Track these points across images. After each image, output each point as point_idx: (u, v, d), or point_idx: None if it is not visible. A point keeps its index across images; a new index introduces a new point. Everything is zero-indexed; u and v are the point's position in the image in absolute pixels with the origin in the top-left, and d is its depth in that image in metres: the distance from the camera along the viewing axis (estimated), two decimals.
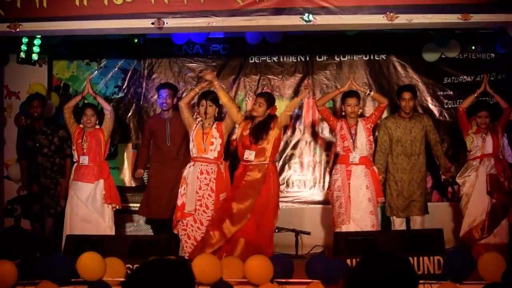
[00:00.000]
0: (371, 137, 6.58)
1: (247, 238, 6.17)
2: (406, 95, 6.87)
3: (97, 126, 6.76)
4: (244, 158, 6.41)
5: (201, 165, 6.41)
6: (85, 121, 6.71)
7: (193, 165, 6.45)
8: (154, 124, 7.22)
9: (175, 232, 6.42)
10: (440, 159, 7.07)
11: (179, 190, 6.44)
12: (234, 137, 7.44)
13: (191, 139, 6.53)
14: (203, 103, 6.53)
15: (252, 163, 6.37)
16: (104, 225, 6.51)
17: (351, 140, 6.51)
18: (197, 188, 6.35)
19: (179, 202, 6.39)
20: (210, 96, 6.55)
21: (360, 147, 6.49)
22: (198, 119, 6.64)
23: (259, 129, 6.42)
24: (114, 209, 6.64)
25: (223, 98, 6.49)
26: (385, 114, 7.23)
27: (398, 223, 6.84)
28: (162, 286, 2.24)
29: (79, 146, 6.64)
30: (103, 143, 6.71)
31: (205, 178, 6.38)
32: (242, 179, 6.37)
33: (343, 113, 6.68)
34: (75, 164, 6.67)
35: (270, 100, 6.58)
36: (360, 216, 6.33)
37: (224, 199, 6.37)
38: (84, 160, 6.61)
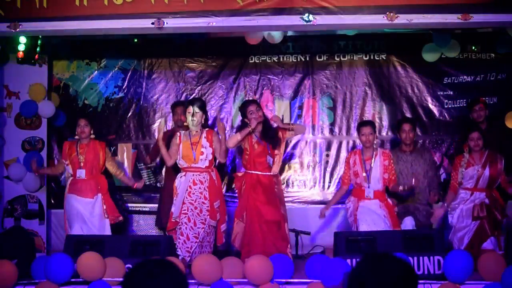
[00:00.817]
0: (386, 174, 6.26)
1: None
2: (406, 126, 6.66)
3: (92, 136, 6.56)
4: (269, 165, 6.45)
5: (193, 175, 6.28)
6: (79, 132, 6.50)
7: (184, 175, 6.31)
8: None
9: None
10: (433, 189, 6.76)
11: (173, 201, 6.35)
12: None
13: (178, 153, 6.35)
14: (190, 109, 6.35)
15: (271, 173, 6.46)
16: None
17: (364, 174, 6.24)
18: (188, 196, 6.22)
19: (172, 209, 6.33)
20: (197, 102, 6.42)
21: (372, 182, 6.23)
22: (180, 132, 6.46)
23: (269, 133, 6.46)
24: (116, 221, 6.52)
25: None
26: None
27: None
28: (154, 287, 2.25)
29: (74, 159, 6.43)
30: (102, 156, 6.50)
31: (199, 188, 6.26)
32: (269, 194, 6.42)
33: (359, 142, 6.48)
34: (71, 178, 6.48)
35: (260, 106, 6.63)
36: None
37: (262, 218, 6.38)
38: (81, 173, 6.41)
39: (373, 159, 6.28)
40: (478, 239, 6.17)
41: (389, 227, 6.05)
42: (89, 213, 6.36)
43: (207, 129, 6.48)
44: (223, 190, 8.06)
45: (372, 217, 6.10)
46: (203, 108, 6.44)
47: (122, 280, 2.31)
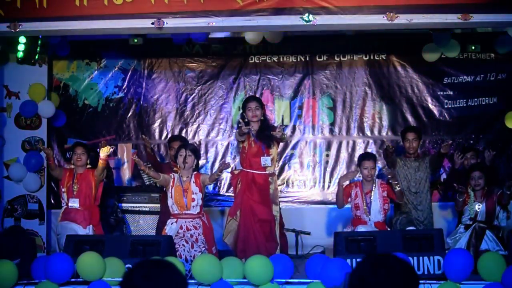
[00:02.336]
0: (386, 205, 6.33)
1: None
2: (410, 135, 6.80)
3: (88, 166, 6.45)
4: (262, 165, 6.41)
5: (185, 221, 6.06)
6: (75, 160, 6.39)
7: (175, 221, 6.06)
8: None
9: None
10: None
11: None
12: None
13: (169, 195, 6.10)
14: (182, 152, 6.13)
15: (267, 172, 6.42)
16: None
17: (365, 207, 6.30)
18: (178, 240, 5.96)
19: None
20: (190, 146, 6.31)
21: (373, 214, 6.29)
22: (172, 174, 6.22)
23: (265, 133, 6.41)
24: None
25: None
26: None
27: None
28: (154, 287, 2.25)
29: (69, 188, 6.34)
30: (94, 186, 6.35)
31: (192, 234, 6.02)
32: (263, 192, 6.40)
33: (359, 175, 6.46)
34: (64, 207, 6.37)
35: (262, 103, 6.61)
36: None
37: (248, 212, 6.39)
38: (74, 203, 6.30)
39: (372, 192, 6.34)
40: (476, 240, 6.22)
41: None
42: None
43: (195, 172, 6.24)
44: (223, 191, 8.08)
45: None
46: (195, 152, 6.29)
47: (121, 280, 2.31)
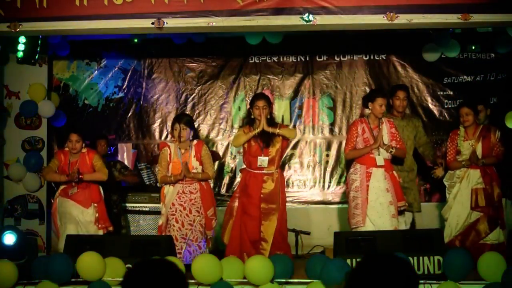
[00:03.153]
0: (394, 142, 6.29)
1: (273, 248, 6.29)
2: (401, 94, 6.83)
3: (84, 150, 6.46)
4: (258, 165, 6.38)
5: (183, 186, 6.26)
6: (70, 148, 6.43)
7: (173, 184, 6.30)
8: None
9: None
10: (430, 157, 7.04)
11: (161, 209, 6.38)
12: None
13: (168, 171, 6.31)
14: (176, 126, 6.28)
15: (264, 171, 6.39)
16: None
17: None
18: (177, 198, 6.24)
19: (159, 222, 6.37)
20: (183, 119, 6.35)
21: (382, 150, 6.22)
22: (169, 147, 6.34)
23: (264, 132, 6.37)
24: (105, 231, 6.45)
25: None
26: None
27: None
28: (155, 286, 2.25)
29: (65, 169, 6.39)
30: (91, 166, 6.40)
31: (189, 199, 6.25)
32: (258, 190, 6.36)
33: (369, 111, 6.37)
34: (62, 186, 6.45)
35: (270, 101, 6.57)
36: (381, 219, 6.10)
37: (240, 213, 6.39)
38: (73, 189, 6.38)
39: (379, 127, 6.31)
40: (473, 231, 6.26)
41: (393, 200, 6.16)
42: (82, 218, 6.35)
43: (195, 141, 6.39)
44: (223, 190, 8.07)
45: (382, 190, 6.16)
46: (189, 123, 6.35)
47: (122, 280, 2.31)
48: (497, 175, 6.37)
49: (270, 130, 6.34)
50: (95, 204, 6.40)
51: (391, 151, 6.23)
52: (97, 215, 6.39)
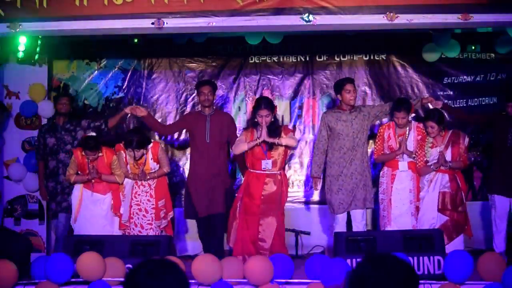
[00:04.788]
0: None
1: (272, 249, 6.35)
2: (350, 86, 6.70)
3: (100, 154, 6.62)
4: (262, 168, 6.46)
5: (137, 186, 6.72)
6: (89, 154, 6.60)
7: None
8: (194, 121, 7.02)
9: None
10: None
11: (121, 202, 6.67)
12: None
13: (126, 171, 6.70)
14: (130, 152, 6.59)
15: (267, 172, 6.46)
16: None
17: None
18: (134, 197, 6.59)
19: (121, 211, 6.63)
20: (134, 140, 6.53)
21: (405, 156, 6.56)
22: (124, 152, 6.69)
23: (270, 135, 6.44)
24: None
25: None
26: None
27: (340, 218, 6.67)
28: (157, 287, 2.25)
29: (85, 171, 6.61)
30: (109, 166, 6.66)
31: (144, 186, 6.63)
32: (260, 190, 6.43)
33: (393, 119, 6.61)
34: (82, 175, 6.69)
35: (273, 106, 6.59)
36: (403, 218, 6.43)
37: (242, 212, 6.48)
38: (92, 186, 6.64)
39: (407, 133, 6.55)
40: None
41: (414, 199, 6.48)
42: (100, 210, 6.58)
43: (151, 144, 6.70)
44: None
45: (405, 191, 6.49)
46: (141, 143, 6.59)
47: (124, 280, 2.31)
48: (464, 182, 6.54)
49: (271, 141, 6.43)
50: (112, 192, 6.64)
51: (413, 157, 6.49)
52: (112, 202, 6.61)
